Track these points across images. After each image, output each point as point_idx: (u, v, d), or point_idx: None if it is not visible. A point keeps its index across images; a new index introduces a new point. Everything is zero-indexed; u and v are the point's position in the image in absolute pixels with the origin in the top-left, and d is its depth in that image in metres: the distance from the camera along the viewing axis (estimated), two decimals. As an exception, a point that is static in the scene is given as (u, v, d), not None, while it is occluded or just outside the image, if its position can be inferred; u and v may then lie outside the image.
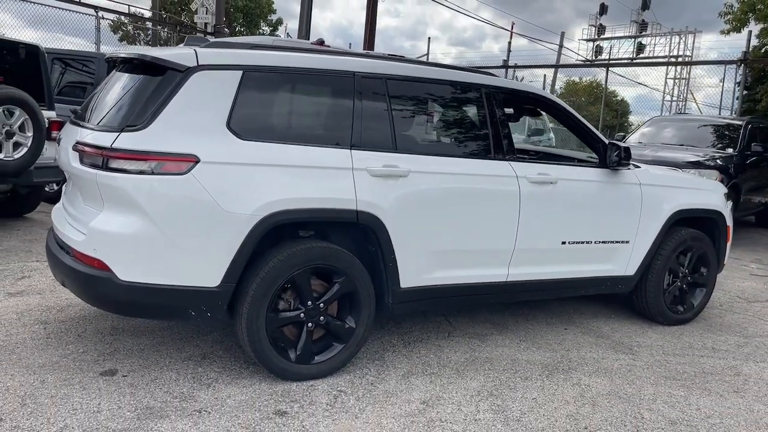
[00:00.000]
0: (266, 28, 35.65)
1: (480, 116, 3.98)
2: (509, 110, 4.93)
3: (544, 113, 4.97)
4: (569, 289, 4.40)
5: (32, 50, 6.82)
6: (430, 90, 3.84)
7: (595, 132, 4.43)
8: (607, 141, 4.35)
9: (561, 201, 4.15)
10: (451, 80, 3.89)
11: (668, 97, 32.68)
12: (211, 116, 3.11)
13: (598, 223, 4.35)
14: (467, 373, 3.70)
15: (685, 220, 4.83)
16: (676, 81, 33.45)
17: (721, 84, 19.43)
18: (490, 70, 4.79)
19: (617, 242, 4.48)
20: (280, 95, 3.38)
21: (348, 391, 3.35)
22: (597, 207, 4.33)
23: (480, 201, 3.81)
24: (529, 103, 4.69)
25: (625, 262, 4.56)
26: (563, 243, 4.23)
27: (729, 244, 5.15)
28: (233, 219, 3.06)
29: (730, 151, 9.28)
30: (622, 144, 4.30)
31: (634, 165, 4.73)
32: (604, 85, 17.78)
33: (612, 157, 4.28)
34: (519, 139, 12.42)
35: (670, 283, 4.86)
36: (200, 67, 3.13)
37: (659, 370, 3.97)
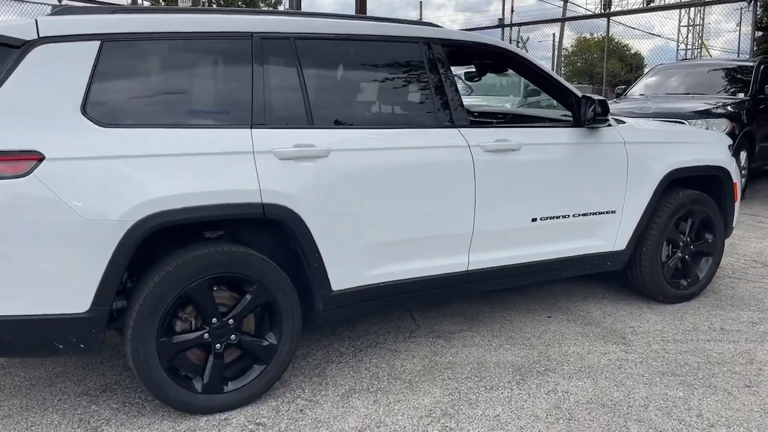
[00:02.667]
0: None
1: (420, 76, 3.31)
2: (469, 68, 4.24)
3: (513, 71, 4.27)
4: (546, 272, 3.75)
5: None
6: (354, 49, 3.17)
7: (566, 86, 3.73)
8: (580, 95, 3.65)
9: (527, 171, 3.48)
10: (380, 35, 3.21)
11: (682, 47, 31.30)
12: (59, 100, 2.48)
13: (575, 193, 3.68)
14: (421, 386, 3.09)
15: (682, 181, 4.14)
16: (690, 29, 31.99)
17: (738, 28, 18.32)
18: (486, 32, 4.07)
19: (601, 213, 3.81)
20: (152, 68, 2.75)
21: (269, 422, 2.76)
22: (573, 174, 3.65)
23: (424, 179, 3.16)
24: (485, 58, 4.00)
25: (613, 236, 3.89)
26: (534, 220, 3.56)
27: (737, 203, 4.44)
28: (96, 228, 2.46)
29: (741, 96, 8.45)
30: (596, 97, 3.60)
31: (617, 120, 4.03)
32: (606, 37, 16.80)
33: (587, 113, 3.59)
34: (515, 101, 11.62)
35: (670, 254, 4.18)
36: (43, 40, 2.50)
37: (655, 364, 3.32)
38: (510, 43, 24.26)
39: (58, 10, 2.71)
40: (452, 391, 3.04)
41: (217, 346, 2.78)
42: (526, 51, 26.65)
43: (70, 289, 2.49)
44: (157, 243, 2.69)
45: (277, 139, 2.82)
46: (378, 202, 3.05)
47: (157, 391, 2.68)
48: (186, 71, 2.81)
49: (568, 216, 3.68)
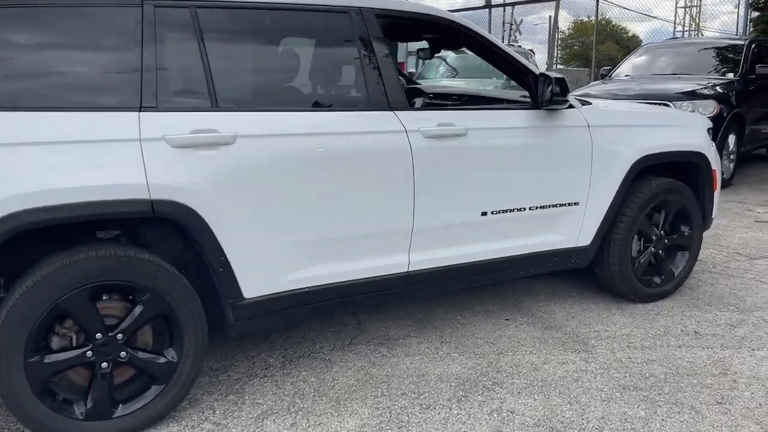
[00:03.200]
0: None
1: (349, 52, 2.90)
2: (418, 42, 3.83)
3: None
4: (501, 272, 3.37)
5: None
6: (270, 20, 2.76)
7: (521, 63, 3.32)
8: (537, 72, 3.24)
9: (476, 159, 3.08)
10: (302, 4, 2.80)
11: (679, 28, 30.69)
12: None
13: (532, 183, 3.29)
14: (349, 405, 2.72)
15: (655, 168, 3.75)
16: (687, 9, 31.38)
17: (736, 10, 17.80)
18: (473, 14, 3.64)
19: (562, 205, 3.42)
20: (17, 41, 2.33)
21: (163, 453, 2.39)
22: (530, 162, 3.25)
23: (352, 169, 2.77)
24: (430, 31, 3.59)
25: (576, 230, 3.51)
26: (485, 214, 3.17)
27: (717, 192, 4.05)
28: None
29: (730, 76, 8.04)
30: (554, 74, 3.19)
31: (582, 101, 3.63)
32: (596, 17, 16.32)
33: (544, 93, 3.18)
34: (498, 84, 11.14)
35: (642, 249, 3.80)
36: None
37: (617, 376, 2.96)
38: (503, 25, 23.71)
39: None
40: (383, 411, 2.67)
41: (103, 365, 2.40)
42: (520, 34, 26.02)
43: None
44: (40, 244, 2.31)
45: (170, 124, 2.42)
46: (297, 196, 2.66)
47: (28, 419, 2.30)
48: (62, 45, 2.40)
49: (524, 209, 3.29)
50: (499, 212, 3.21)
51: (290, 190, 2.64)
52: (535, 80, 3.22)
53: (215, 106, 2.53)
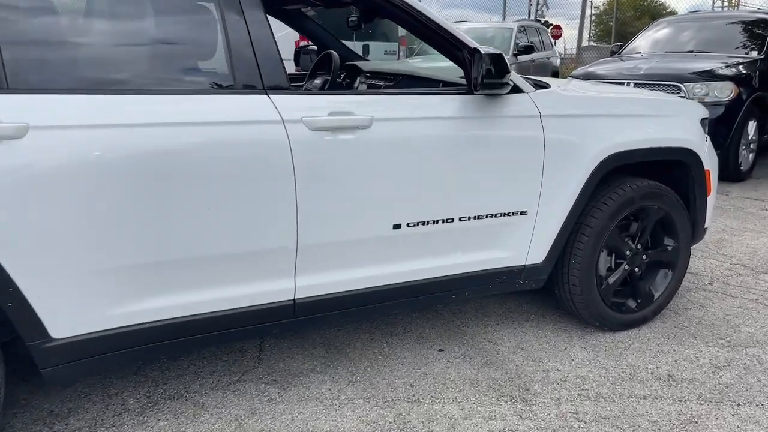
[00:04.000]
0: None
1: (202, 13, 2.23)
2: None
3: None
4: (426, 297, 2.71)
5: None
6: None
7: (456, 36, 2.60)
8: (474, 47, 2.52)
9: (383, 158, 2.41)
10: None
11: (719, 3, 29.09)
12: None
13: (462, 188, 2.60)
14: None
15: (631, 167, 3.03)
16: (729, -17, 29.71)
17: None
18: None
19: (505, 215, 2.73)
20: None
21: None
22: (458, 162, 2.57)
23: (203, 169, 2.12)
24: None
25: (525, 245, 2.82)
26: (398, 227, 2.51)
27: (711, 197, 3.31)
28: None
29: (754, 54, 7.14)
30: (488, 50, 2.47)
31: (538, 84, 2.92)
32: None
33: (478, 75, 2.47)
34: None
35: (613, 266, 3.10)
36: None
37: (554, 442, 2.30)
38: (530, 2, 22.42)
39: None
40: (234, 487, 2.06)
41: None
42: (547, 8, 24.67)
43: None
44: None
45: (-72, 113, 1.80)
46: (125, 204, 2.03)
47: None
48: None
49: (452, 220, 2.61)
50: (417, 224, 2.54)
51: (111, 197, 2.00)
52: (470, 58, 2.51)
53: (4, 86, 1.89)
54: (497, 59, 2.44)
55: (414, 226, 2.54)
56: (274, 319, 2.40)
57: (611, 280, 3.06)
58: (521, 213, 2.76)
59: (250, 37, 2.22)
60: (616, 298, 3.14)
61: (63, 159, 1.92)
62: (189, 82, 2.21)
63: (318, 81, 3.49)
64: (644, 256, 3.14)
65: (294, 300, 2.41)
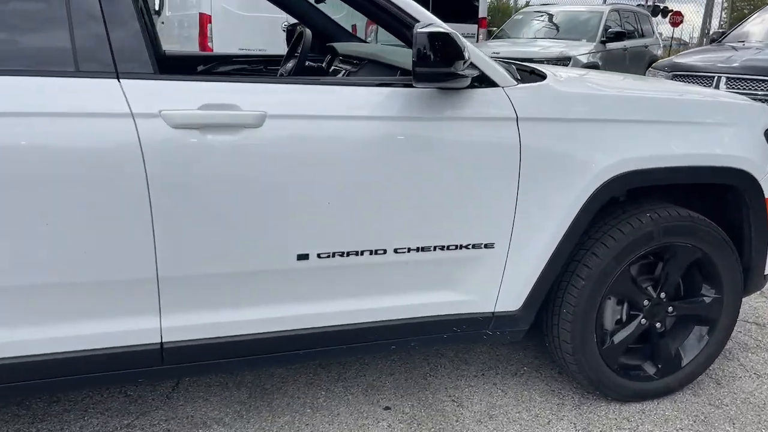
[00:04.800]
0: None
1: None
2: None
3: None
4: (351, 345, 2.09)
5: None
6: None
7: (404, 10, 1.95)
8: (427, 26, 1.86)
9: (279, 167, 1.82)
10: None
11: None
12: None
13: (398, 210, 1.96)
14: None
15: (653, 190, 2.27)
16: None
17: None
18: None
19: (462, 248, 2.06)
20: None
21: None
22: (393, 176, 1.92)
23: (27, 172, 1.63)
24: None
25: (491, 287, 2.14)
26: (304, 258, 1.91)
27: (775, 234, 2.46)
28: None
29: None
30: (435, 29, 1.79)
31: (537, 74, 2.23)
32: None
33: (425, 60, 1.80)
34: (582, 49, 9.23)
35: (624, 318, 2.35)
36: None
37: None
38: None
39: None
40: None
41: None
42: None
43: None
44: None
45: None
46: None
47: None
48: None
49: (383, 251, 1.98)
50: (333, 255, 1.93)
51: None
52: (423, 39, 1.84)
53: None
54: (440, 39, 1.77)
55: (328, 257, 1.93)
56: (136, 365, 1.88)
57: (619, 337, 2.32)
58: (485, 246, 2.08)
59: (96, 7, 1.69)
60: (628, 358, 2.39)
61: None
62: (15, 60, 1.70)
63: (290, 65, 2.94)
64: (670, 308, 2.37)
65: (161, 344, 1.88)
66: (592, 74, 2.87)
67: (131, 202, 1.70)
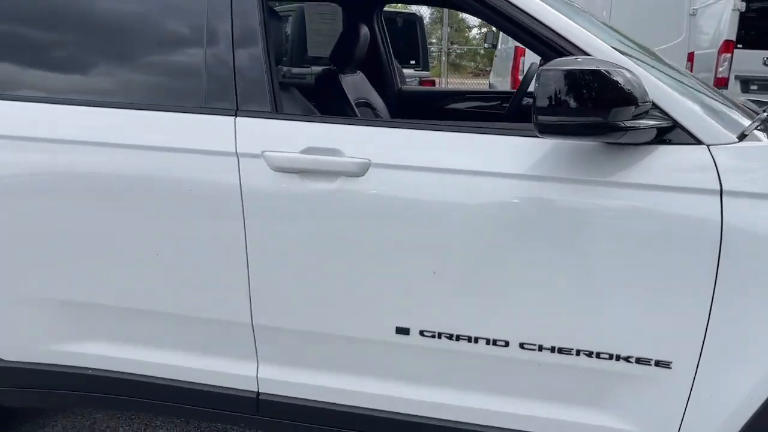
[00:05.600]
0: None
1: (183, 18, 1.76)
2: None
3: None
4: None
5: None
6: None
7: (548, 30, 1.51)
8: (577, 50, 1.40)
9: (377, 224, 1.57)
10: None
11: None
12: None
13: (523, 294, 1.52)
14: None
15: None
16: None
17: None
18: None
19: (615, 358, 1.51)
20: None
21: None
22: (519, 248, 1.50)
23: (139, 201, 1.71)
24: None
25: (665, 418, 1.52)
26: (403, 332, 1.61)
27: None
28: None
29: None
30: (584, 64, 1.30)
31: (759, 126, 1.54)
32: None
33: (559, 106, 1.34)
34: None
35: None
36: None
37: None
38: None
39: None
40: None
41: None
42: None
43: None
44: None
45: None
46: (66, 229, 1.77)
47: None
48: None
49: (504, 343, 1.56)
50: (439, 336, 1.59)
51: (55, 220, 1.76)
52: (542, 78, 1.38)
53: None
54: (579, 79, 1.30)
55: (433, 337, 1.60)
56: (231, 408, 1.82)
57: None
58: (656, 363, 1.48)
59: (233, 44, 1.67)
60: None
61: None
62: (149, 96, 1.77)
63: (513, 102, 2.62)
64: None
65: (257, 393, 1.78)
66: None
67: (231, 241, 1.64)
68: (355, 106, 2.66)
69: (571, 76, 1.29)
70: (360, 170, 1.55)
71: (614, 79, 1.30)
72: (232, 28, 1.68)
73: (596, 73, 1.30)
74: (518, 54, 7.45)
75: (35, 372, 1.90)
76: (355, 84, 2.83)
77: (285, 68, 8.38)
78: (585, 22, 1.63)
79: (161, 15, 1.75)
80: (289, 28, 7.39)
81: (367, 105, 2.88)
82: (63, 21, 1.80)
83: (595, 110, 1.30)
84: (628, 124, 1.33)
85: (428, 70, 7.84)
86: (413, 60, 7.92)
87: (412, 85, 6.68)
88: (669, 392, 1.50)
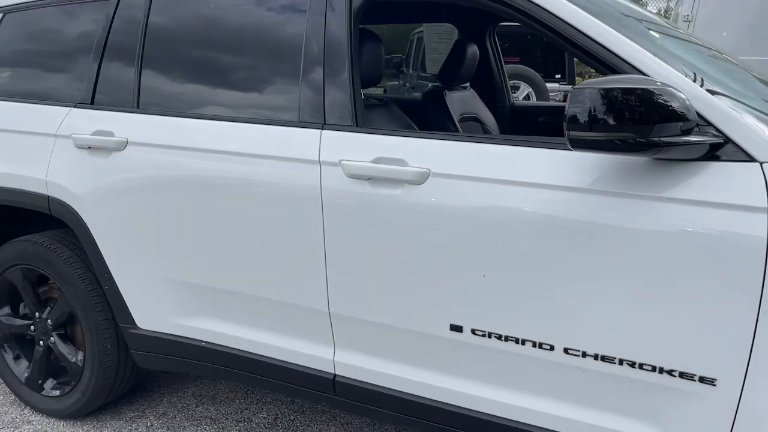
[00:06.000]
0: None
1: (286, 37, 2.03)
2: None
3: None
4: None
5: None
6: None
7: (606, 51, 1.57)
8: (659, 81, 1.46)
9: (433, 227, 1.71)
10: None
11: None
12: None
13: (568, 302, 1.58)
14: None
15: None
16: None
17: None
18: None
19: (659, 371, 1.52)
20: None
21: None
22: (564, 260, 1.56)
23: (243, 201, 2.01)
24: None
25: (710, 437, 1.51)
26: (457, 329, 1.75)
27: None
28: None
29: None
30: (626, 82, 1.35)
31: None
32: None
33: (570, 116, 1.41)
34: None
35: None
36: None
37: None
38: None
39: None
40: None
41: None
42: None
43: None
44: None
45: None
46: (185, 223, 2.13)
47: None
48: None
49: (550, 347, 1.63)
50: (489, 336, 1.71)
51: (180, 213, 2.12)
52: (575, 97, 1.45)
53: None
54: (609, 97, 1.36)
55: (483, 336, 1.71)
56: (312, 387, 2.06)
57: None
58: (701, 380, 1.48)
59: (324, 67, 1.92)
60: None
61: (147, 172, 2.16)
62: (256, 108, 2.06)
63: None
64: None
65: (334, 375, 2.00)
66: None
67: (312, 238, 1.88)
68: (458, 122, 2.81)
69: (601, 94, 1.36)
70: (420, 179, 1.71)
71: (653, 97, 1.34)
72: (324, 52, 1.92)
73: (628, 91, 1.36)
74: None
75: (162, 340, 2.27)
76: (464, 100, 2.98)
77: (405, 83, 8.72)
78: (637, 33, 1.66)
79: (269, 40, 2.04)
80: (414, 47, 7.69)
81: (476, 120, 3.02)
82: (196, 57, 2.17)
83: (626, 126, 1.36)
84: (668, 140, 1.37)
85: (574, 83, 7.71)
86: (558, 74, 7.84)
87: (524, 101, 6.61)
88: (713, 408, 1.49)
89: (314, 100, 1.93)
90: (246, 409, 2.65)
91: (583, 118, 1.38)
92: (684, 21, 6.15)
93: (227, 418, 2.58)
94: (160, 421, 2.56)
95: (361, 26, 1.99)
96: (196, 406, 2.68)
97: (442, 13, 3.34)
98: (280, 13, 2.07)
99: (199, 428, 2.52)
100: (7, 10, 2.64)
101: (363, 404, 1.98)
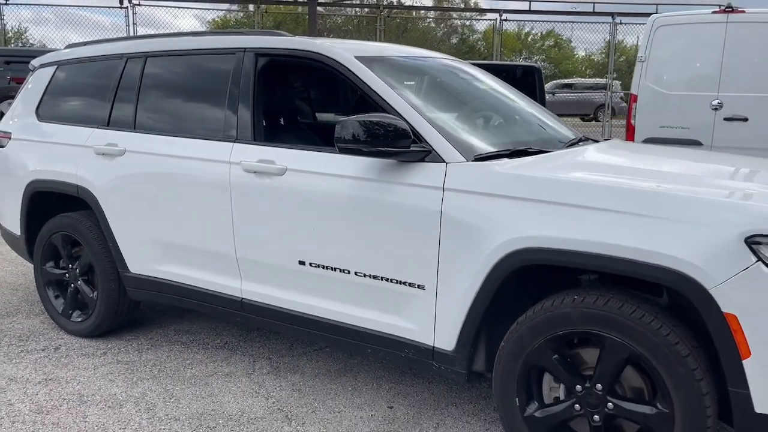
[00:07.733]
0: None
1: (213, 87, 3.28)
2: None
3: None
4: (341, 339, 2.88)
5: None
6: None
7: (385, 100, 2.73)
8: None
9: (289, 201, 2.89)
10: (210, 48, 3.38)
11: None
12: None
13: (356, 244, 2.73)
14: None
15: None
16: None
17: None
18: None
19: (399, 282, 2.64)
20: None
21: (61, 349, 3.69)
22: (354, 219, 2.72)
23: (189, 187, 3.24)
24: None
25: (428, 322, 2.60)
26: (302, 263, 2.90)
27: (749, 362, 1.96)
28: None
29: None
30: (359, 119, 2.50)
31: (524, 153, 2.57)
32: None
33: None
34: None
35: (562, 398, 2.36)
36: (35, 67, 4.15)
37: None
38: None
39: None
40: (139, 395, 3.13)
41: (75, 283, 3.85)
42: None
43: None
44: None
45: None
46: (156, 202, 3.35)
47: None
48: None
49: (347, 271, 2.77)
50: (318, 266, 2.85)
51: (156, 195, 3.35)
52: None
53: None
54: (367, 125, 2.50)
55: (316, 267, 2.86)
56: (229, 307, 3.23)
57: (542, 412, 2.36)
58: (418, 286, 2.59)
59: (238, 104, 3.13)
60: (563, 443, 2.36)
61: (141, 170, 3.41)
62: (200, 131, 3.29)
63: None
64: (609, 404, 2.25)
65: (241, 299, 3.17)
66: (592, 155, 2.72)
67: (226, 208, 3.07)
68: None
69: (359, 122, 2.51)
70: (281, 172, 2.88)
71: (388, 125, 2.49)
72: (238, 97, 3.13)
73: (375, 123, 2.50)
74: (631, 101, 7.96)
75: (144, 280, 3.49)
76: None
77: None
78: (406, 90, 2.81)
79: (208, 89, 3.29)
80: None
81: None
82: (168, 92, 3.44)
83: (374, 142, 2.50)
84: (396, 150, 2.51)
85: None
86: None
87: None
88: (426, 303, 2.58)
89: (231, 124, 3.13)
90: (207, 337, 3.84)
91: (348, 136, 2.54)
92: (640, 61, 7.49)
93: (194, 344, 3.77)
94: (148, 342, 3.77)
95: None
96: (174, 335, 3.89)
97: None
98: (214, 74, 3.30)
99: (172, 347, 3.71)
100: (59, 63, 3.98)
101: (260, 317, 3.14)
